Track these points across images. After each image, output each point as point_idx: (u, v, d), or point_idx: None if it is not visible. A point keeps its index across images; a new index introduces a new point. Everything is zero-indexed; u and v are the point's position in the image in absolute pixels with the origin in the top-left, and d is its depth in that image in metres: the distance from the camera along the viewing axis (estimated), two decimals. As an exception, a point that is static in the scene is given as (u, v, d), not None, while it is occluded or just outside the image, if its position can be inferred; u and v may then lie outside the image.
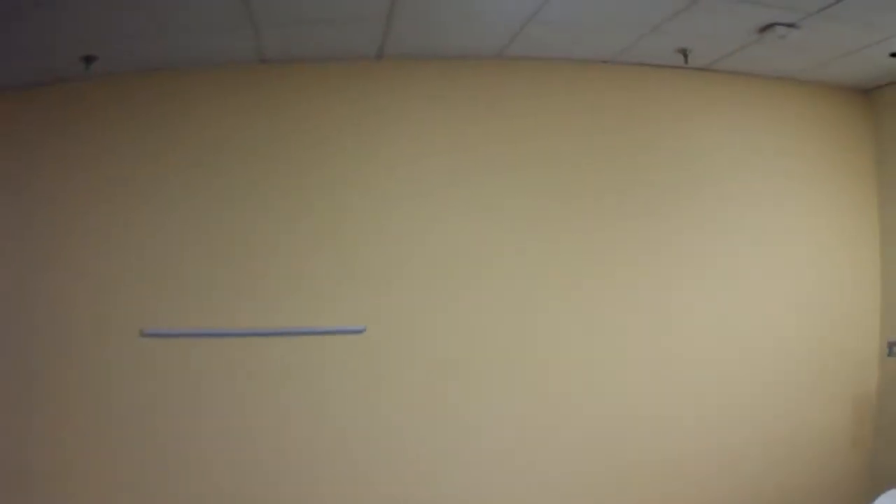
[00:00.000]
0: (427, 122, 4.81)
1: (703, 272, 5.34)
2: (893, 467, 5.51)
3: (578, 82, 5.24)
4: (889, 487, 4.81)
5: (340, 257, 4.67)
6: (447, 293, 4.77)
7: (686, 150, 5.43)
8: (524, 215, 4.94)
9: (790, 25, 4.36)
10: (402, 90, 4.79)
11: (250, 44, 4.27)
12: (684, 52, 4.95)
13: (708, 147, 5.48)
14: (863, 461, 5.70)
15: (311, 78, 4.67)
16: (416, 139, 4.80)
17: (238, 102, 4.60)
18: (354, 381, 4.64)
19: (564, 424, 4.89)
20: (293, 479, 4.53)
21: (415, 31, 4.38)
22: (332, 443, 4.61)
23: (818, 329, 5.61)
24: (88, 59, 4.06)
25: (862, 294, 5.76)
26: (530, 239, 4.93)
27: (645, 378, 5.03)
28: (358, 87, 4.73)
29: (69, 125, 4.47)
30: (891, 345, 5.48)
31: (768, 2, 4.11)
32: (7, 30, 3.68)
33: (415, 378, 4.71)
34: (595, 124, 5.24)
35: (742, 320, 5.39)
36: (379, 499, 4.60)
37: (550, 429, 4.90)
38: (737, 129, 5.57)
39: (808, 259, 5.62)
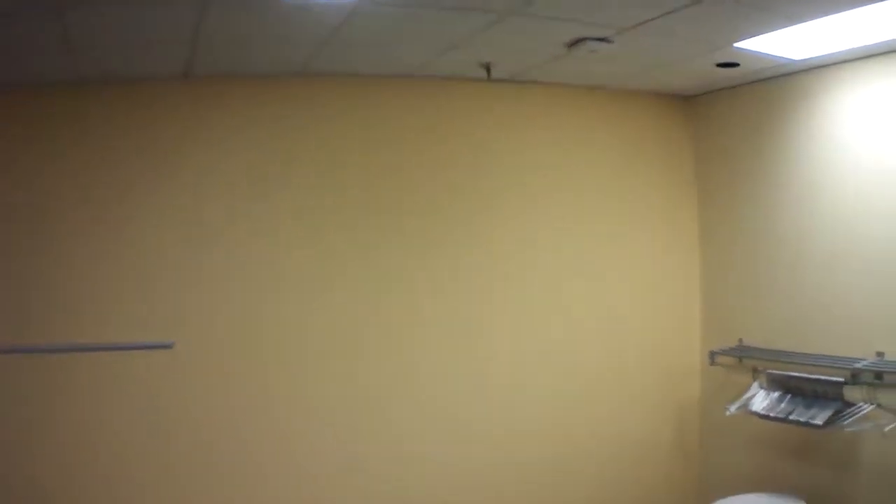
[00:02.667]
0: (232, 138, 4.57)
1: (520, 287, 5.17)
2: (720, 475, 5.53)
3: (382, 97, 4.89)
4: (718, 498, 4.83)
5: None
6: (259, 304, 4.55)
7: (495, 162, 5.17)
8: (330, 229, 4.74)
9: (602, 40, 4.07)
10: (207, 109, 4.51)
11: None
12: (487, 67, 4.62)
13: (519, 159, 5.23)
14: (690, 470, 5.71)
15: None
16: (221, 154, 4.54)
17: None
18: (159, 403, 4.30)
19: (379, 438, 4.80)
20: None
21: (220, 49, 4.04)
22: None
23: (640, 340, 5.56)
24: None
25: (683, 303, 5.74)
26: (337, 255, 4.75)
27: (463, 398, 4.99)
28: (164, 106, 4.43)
29: None
30: (712, 354, 5.46)
31: (578, 18, 3.78)
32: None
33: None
34: (399, 138, 4.93)
35: (563, 334, 5.26)
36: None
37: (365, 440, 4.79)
38: (549, 140, 5.34)
39: (629, 269, 5.53)
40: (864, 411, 4.33)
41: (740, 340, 5.34)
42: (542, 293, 5.19)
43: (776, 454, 5.10)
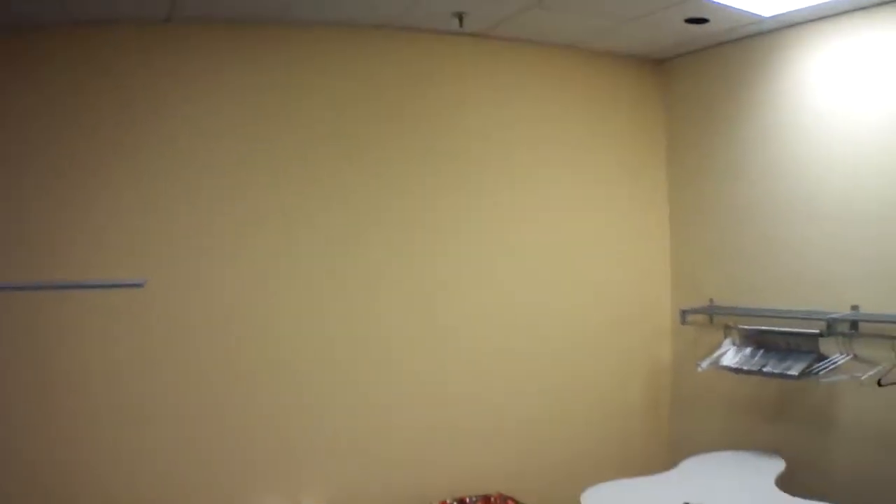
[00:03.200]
0: (209, 82, 4.47)
1: (490, 248, 5.09)
2: (691, 433, 5.54)
3: (352, 48, 4.75)
4: (690, 454, 4.83)
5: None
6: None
7: (466, 119, 5.07)
8: (300, 178, 4.65)
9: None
10: (186, 53, 4.40)
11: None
12: (460, 16, 4.51)
13: (491, 116, 5.14)
14: (661, 429, 5.72)
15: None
16: (198, 98, 4.44)
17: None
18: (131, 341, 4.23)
19: (344, 391, 4.70)
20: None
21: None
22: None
23: (611, 301, 5.53)
24: None
25: (654, 264, 5.73)
26: (307, 204, 4.67)
27: (443, 356, 4.96)
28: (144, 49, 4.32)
29: None
30: (683, 313, 5.47)
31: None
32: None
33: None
34: (370, 91, 4.80)
35: (532, 294, 5.20)
36: (155, 473, 4.25)
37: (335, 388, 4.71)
38: (521, 98, 5.25)
39: (600, 230, 5.50)
40: (840, 362, 4.36)
41: (711, 300, 5.36)
42: (511, 253, 5.15)
43: (750, 413, 5.13)
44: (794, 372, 4.48)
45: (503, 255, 5.11)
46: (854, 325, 4.40)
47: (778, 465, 4.46)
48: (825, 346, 4.48)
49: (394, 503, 4.67)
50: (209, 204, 4.40)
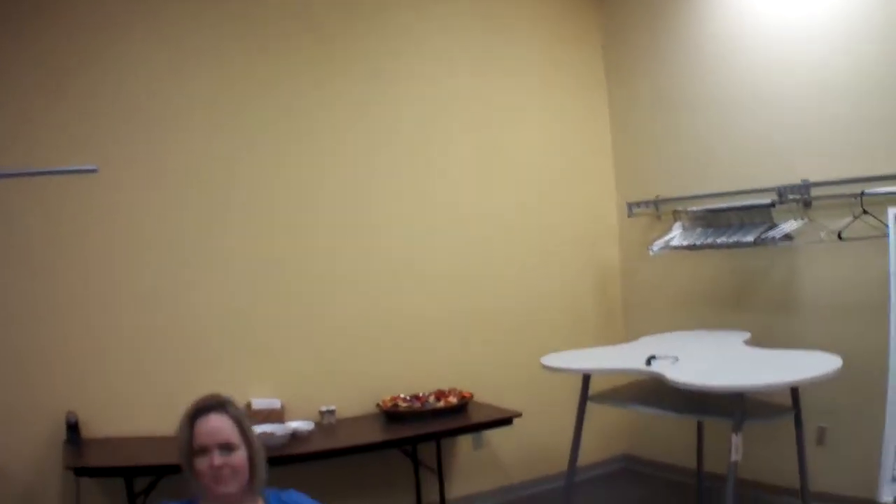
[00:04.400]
0: None
1: (443, 155, 4.97)
2: (647, 328, 5.37)
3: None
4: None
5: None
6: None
7: (412, 33, 4.93)
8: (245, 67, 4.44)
9: None
10: None
11: None
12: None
13: (434, 31, 5.01)
14: (616, 325, 5.59)
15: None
16: None
17: None
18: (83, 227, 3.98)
19: (298, 284, 4.50)
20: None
21: None
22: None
23: (557, 200, 5.39)
24: None
25: (597, 162, 5.64)
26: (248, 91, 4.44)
27: (399, 256, 4.82)
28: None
29: None
30: (630, 206, 5.36)
31: None
32: None
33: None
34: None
35: (482, 199, 5.08)
36: (105, 361, 3.97)
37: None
38: (459, 12, 5.12)
39: (542, 133, 5.38)
40: (796, 225, 4.30)
41: (657, 196, 5.24)
42: (460, 160, 5.04)
43: (707, 302, 4.99)
44: (748, 238, 4.40)
45: (452, 164, 5.00)
46: (806, 189, 4.32)
47: (743, 335, 4.32)
48: (779, 216, 4.40)
49: (346, 398, 4.47)
50: (162, 91, 4.18)
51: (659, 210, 5.21)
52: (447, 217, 4.95)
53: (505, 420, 4.29)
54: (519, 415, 4.31)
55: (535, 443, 5.01)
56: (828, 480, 4.23)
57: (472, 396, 4.48)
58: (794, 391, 3.47)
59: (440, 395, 4.49)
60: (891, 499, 2.79)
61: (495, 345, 5.01)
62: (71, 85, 3.94)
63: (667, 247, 4.86)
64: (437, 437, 4.26)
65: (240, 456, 1.98)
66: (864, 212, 3.97)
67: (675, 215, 5.01)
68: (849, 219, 4.03)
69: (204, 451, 1.94)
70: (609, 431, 5.40)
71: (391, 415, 4.25)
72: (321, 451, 3.65)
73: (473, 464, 4.89)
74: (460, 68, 5.05)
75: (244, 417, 2.03)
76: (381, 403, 4.36)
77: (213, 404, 2.01)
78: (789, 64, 4.49)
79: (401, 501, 4.58)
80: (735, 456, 3.11)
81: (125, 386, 3.95)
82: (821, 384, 4.11)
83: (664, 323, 5.02)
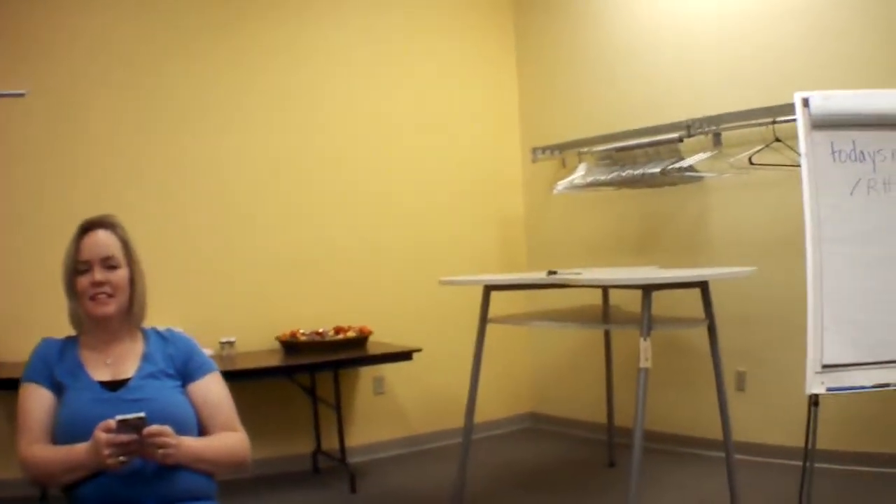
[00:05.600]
0: None
1: (349, 103, 4.81)
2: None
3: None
4: None
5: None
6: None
7: None
8: None
9: None
10: None
11: None
12: None
13: None
14: (519, 268, 5.35)
15: None
16: None
17: None
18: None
19: (207, 212, 4.40)
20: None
21: None
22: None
23: (463, 147, 5.20)
24: None
25: (503, 110, 5.46)
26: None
27: (312, 197, 4.70)
28: None
29: None
30: (535, 151, 5.14)
31: None
32: None
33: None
34: None
35: (391, 146, 4.92)
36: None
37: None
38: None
39: (450, 82, 5.20)
40: (705, 155, 4.15)
41: (562, 141, 5.03)
42: (363, 101, 4.88)
43: (614, 249, 4.83)
44: (655, 169, 4.23)
45: (356, 109, 4.84)
46: (717, 128, 4.16)
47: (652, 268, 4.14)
48: (689, 152, 4.23)
49: (247, 332, 4.30)
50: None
51: (564, 155, 5.01)
52: (352, 160, 4.78)
53: (404, 354, 4.19)
54: (419, 350, 4.22)
55: (438, 393, 4.85)
56: (749, 428, 4.11)
57: (371, 332, 4.37)
58: (708, 305, 3.25)
59: (340, 330, 4.35)
60: (822, 389, 2.60)
61: (397, 288, 4.84)
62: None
63: (571, 186, 4.66)
64: (336, 367, 4.10)
65: (121, 275, 1.96)
66: (777, 139, 3.84)
67: (581, 158, 4.81)
68: (760, 146, 3.90)
69: (87, 268, 1.93)
70: (516, 389, 5.31)
71: (290, 346, 4.15)
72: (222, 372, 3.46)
73: (375, 410, 4.74)
74: (363, 14, 4.89)
75: (131, 242, 2.01)
76: (280, 336, 4.24)
77: (103, 222, 1.99)
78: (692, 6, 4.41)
79: (301, 446, 4.43)
80: (644, 363, 2.87)
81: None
82: (736, 326, 4.06)
83: (569, 267, 4.78)
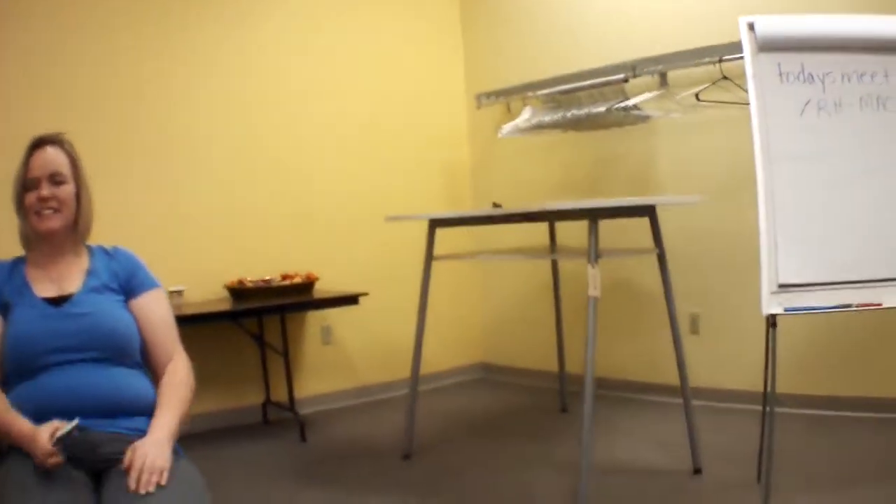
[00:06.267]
0: None
1: (296, 56, 4.69)
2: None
3: None
4: None
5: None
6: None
7: None
8: None
9: None
10: None
11: None
12: None
13: None
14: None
15: None
16: None
17: None
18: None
19: (150, 163, 4.23)
20: None
21: None
22: None
23: (408, 99, 5.10)
24: None
25: (448, 57, 5.36)
26: None
27: (258, 149, 4.56)
28: None
29: None
30: (478, 97, 5.04)
31: None
32: None
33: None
34: None
35: (336, 100, 4.81)
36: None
37: None
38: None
39: (394, 33, 5.08)
40: (652, 94, 4.08)
41: (508, 86, 4.92)
42: (308, 53, 4.75)
43: (557, 193, 4.76)
44: (600, 109, 4.15)
45: (302, 63, 4.72)
46: (663, 68, 4.10)
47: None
48: (635, 93, 4.17)
49: (196, 281, 4.19)
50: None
51: (509, 100, 4.91)
52: (297, 107, 4.67)
53: (350, 298, 4.16)
54: (365, 294, 4.19)
55: (386, 341, 4.81)
56: (705, 372, 4.09)
57: (318, 278, 4.33)
58: (657, 234, 3.19)
59: (287, 277, 4.32)
60: (780, 310, 2.53)
61: (345, 236, 4.77)
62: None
63: (515, 129, 4.57)
64: (281, 311, 4.14)
65: (67, 190, 1.97)
66: (724, 77, 3.79)
67: (526, 102, 4.71)
68: (706, 84, 3.85)
69: (35, 184, 1.94)
70: (466, 339, 5.30)
71: (238, 293, 4.12)
72: None
73: (324, 360, 4.69)
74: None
75: (79, 160, 2.01)
76: (228, 284, 4.21)
77: (52, 138, 2.00)
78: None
79: (251, 397, 4.39)
80: (593, 291, 2.79)
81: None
82: (689, 268, 4.03)
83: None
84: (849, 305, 2.60)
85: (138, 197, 4.11)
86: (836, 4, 3.55)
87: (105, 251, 2.07)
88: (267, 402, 4.36)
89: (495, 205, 3.41)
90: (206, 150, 4.34)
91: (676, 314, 3.20)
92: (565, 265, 4.27)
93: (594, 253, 2.85)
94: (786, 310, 2.56)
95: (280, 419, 4.31)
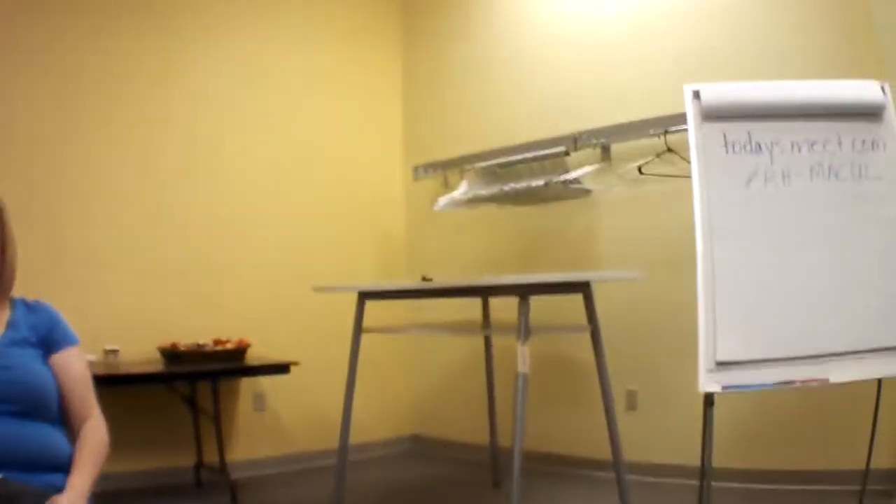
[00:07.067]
0: None
1: (228, 120, 4.56)
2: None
3: None
4: None
5: None
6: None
7: None
8: None
9: None
10: None
11: None
12: None
13: None
14: None
15: None
16: None
17: None
18: None
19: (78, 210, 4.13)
20: None
21: None
22: None
23: (345, 166, 4.95)
24: None
25: (386, 130, 5.23)
26: None
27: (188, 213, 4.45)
28: None
29: None
30: (415, 169, 4.85)
31: None
32: None
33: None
34: None
35: (269, 165, 4.68)
36: None
37: None
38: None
39: (333, 100, 4.97)
40: (592, 168, 3.89)
41: (446, 158, 4.76)
42: (245, 118, 4.64)
43: (494, 268, 4.54)
44: (539, 182, 3.94)
45: (238, 127, 4.61)
46: (605, 141, 3.95)
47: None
48: (575, 165, 3.99)
49: (131, 342, 4.09)
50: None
51: (447, 173, 4.72)
52: (231, 172, 4.55)
53: (281, 367, 4.12)
54: (296, 363, 4.12)
55: (318, 410, 4.64)
56: (642, 447, 3.87)
57: (250, 345, 4.24)
58: (591, 311, 2.95)
59: (219, 342, 4.23)
60: (717, 388, 2.31)
61: (277, 304, 4.62)
62: None
63: (452, 202, 4.35)
64: (214, 377, 4.14)
65: None
66: (669, 150, 3.62)
67: (464, 175, 4.50)
68: (650, 157, 3.67)
69: None
70: (397, 410, 5.12)
71: (171, 356, 4.09)
72: (101, 376, 3.21)
73: (256, 426, 4.57)
74: (244, 26, 4.66)
75: (6, 212, 1.94)
76: (161, 347, 4.16)
77: None
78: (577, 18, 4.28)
79: (184, 459, 4.26)
80: (522, 367, 2.56)
81: None
82: (627, 344, 3.86)
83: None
84: (792, 382, 2.45)
85: (74, 255, 4.03)
86: (787, 71, 3.42)
87: (26, 304, 2.02)
88: (199, 465, 4.27)
89: (425, 278, 3.17)
90: (139, 215, 4.24)
91: (612, 389, 3.05)
92: (498, 338, 4.03)
93: (524, 330, 2.63)
94: (723, 388, 2.39)
95: (213, 482, 4.20)
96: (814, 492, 3.48)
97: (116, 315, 4.10)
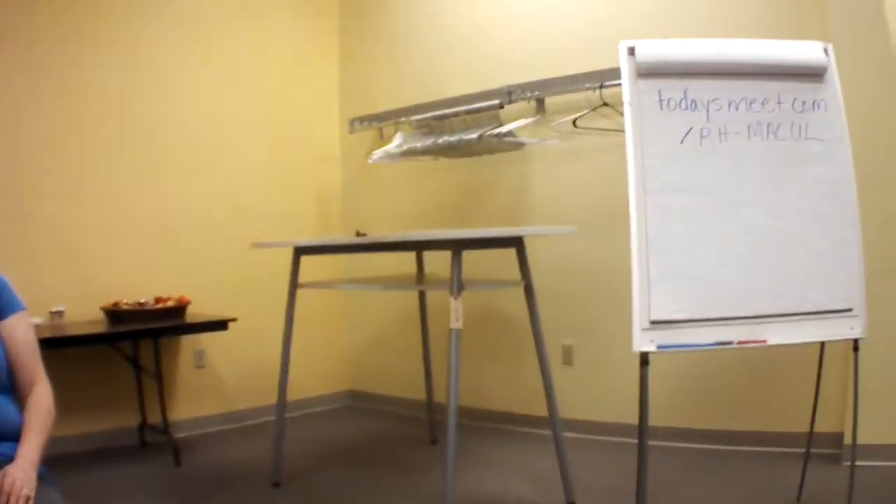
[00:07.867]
0: None
1: (176, 76, 4.48)
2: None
3: None
4: None
5: None
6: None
7: None
8: None
9: None
10: None
11: None
12: None
13: None
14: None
15: None
16: None
17: None
18: None
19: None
20: None
21: None
22: None
23: (281, 122, 4.87)
24: None
25: (322, 91, 5.13)
26: None
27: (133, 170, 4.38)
28: None
29: None
30: (351, 122, 4.77)
31: None
32: None
33: None
34: None
35: (210, 116, 4.60)
36: None
37: None
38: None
39: (266, 56, 4.85)
40: (526, 121, 3.87)
41: (381, 111, 4.68)
42: (188, 74, 4.55)
43: (427, 221, 4.52)
44: (472, 135, 3.90)
45: (180, 83, 4.53)
46: (540, 94, 3.92)
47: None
48: (510, 118, 3.96)
49: (76, 303, 4.07)
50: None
51: (383, 125, 4.65)
52: (170, 130, 4.48)
53: (220, 324, 4.09)
54: (234, 319, 4.10)
55: (256, 367, 4.65)
56: (579, 406, 3.93)
57: (189, 302, 4.24)
58: (524, 266, 2.95)
59: (160, 300, 4.24)
60: (652, 347, 2.32)
61: (215, 260, 4.58)
62: None
63: (386, 155, 4.30)
64: (155, 335, 4.13)
65: None
66: (604, 104, 3.60)
67: (399, 128, 4.43)
68: (585, 111, 3.65)
69: None
70: (334, 366, 5.13)
71: (114, 315, 4.06)
72: (46, 339, 3.29)
73: (197, 384, 4.55)
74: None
75: None
76: (104, 306, 4.11)
77: None
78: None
79: (127, 419, 4.25)
80: (455, 323, 2.55)
81: None
82: (563, 299, 3.89)
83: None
84: (729, 343, 2.44)
85: (20, 216, 3.98)
86: (732, 30, 3.43)
87: None
88: (143, 425, 4.27)
89: (359, 233, 3.14)
90: (80, 174, 4.17)
91: (547, 345, 3.05)
92: (433, 293, 4.01)
93: (457, 285, 2.62)
94: (658, 347, 2.38)
95: (156, 442, 4.23)
96: (757, 453, 3.54)
97: (61, 276, 4.08)
